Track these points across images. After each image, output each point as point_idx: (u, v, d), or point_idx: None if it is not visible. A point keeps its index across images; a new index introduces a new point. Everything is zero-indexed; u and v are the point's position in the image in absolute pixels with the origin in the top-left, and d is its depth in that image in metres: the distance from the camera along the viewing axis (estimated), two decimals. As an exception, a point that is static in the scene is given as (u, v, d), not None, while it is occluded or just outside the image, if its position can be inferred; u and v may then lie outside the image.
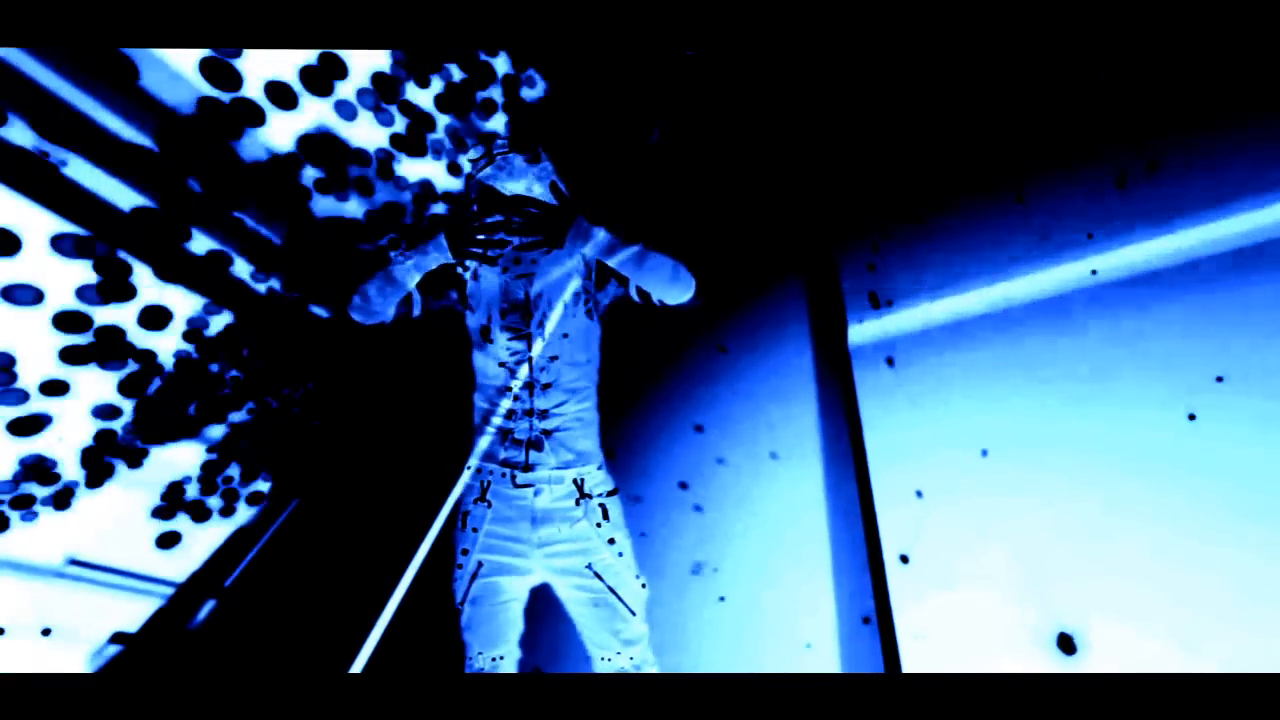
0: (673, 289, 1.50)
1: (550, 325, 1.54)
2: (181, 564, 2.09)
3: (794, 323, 2.35)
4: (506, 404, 1.53)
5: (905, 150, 2.25)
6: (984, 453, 1.83)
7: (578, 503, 1.51)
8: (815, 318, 2.32)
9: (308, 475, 2.34)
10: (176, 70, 1.72)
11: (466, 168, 1.54)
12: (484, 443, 1.56)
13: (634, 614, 1.50)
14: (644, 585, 1.54)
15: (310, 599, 2.26)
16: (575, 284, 1.58)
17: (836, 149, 2.41)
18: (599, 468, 1.57)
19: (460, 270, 1.62)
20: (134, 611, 1.98)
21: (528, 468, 1.50)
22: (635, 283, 1.52)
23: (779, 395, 2.27)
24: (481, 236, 1.42)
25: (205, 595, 2.13)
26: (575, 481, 1.52)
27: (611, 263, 1.47)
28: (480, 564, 1.49)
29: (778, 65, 2.48)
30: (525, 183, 1.49)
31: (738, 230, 2.51)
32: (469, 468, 1.57)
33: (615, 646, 1.49)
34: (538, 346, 1.53)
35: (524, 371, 1.52)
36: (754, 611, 2.08)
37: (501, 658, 1.48)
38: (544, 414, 1.52)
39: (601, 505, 1.53)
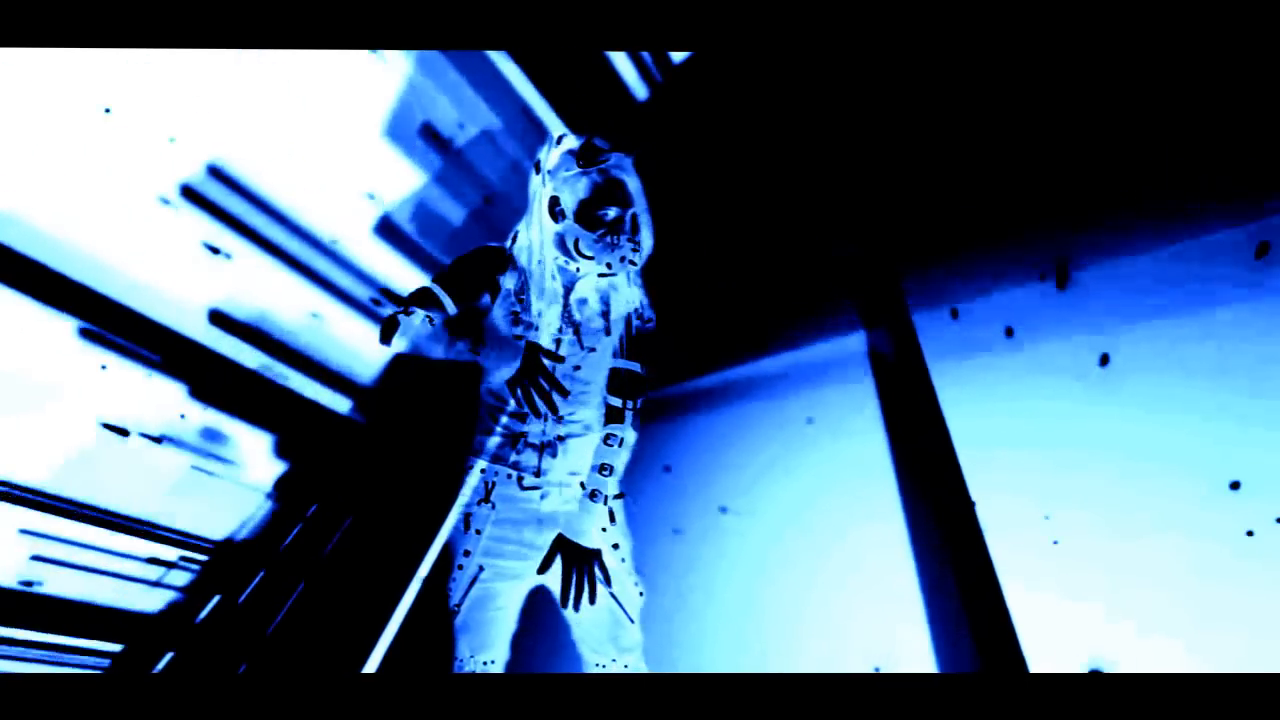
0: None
1: (589, 337, 1.50)
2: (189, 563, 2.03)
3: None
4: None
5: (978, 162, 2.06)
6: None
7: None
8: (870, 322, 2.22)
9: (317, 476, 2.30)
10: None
11: (555, 161, 1.43)
12: (492, 443, 1.52)
13: (632, 621, 1.49)
14: (641, 593, 1.52)
15: (318, 599, 2.21)
16: (622, 305, 1.54)
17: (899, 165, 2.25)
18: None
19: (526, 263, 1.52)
20: (141, 609, 1.92)
21: (538, 473, 1.49)
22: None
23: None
24: (601, 230, 1.40)
25: (214, 593, 2.07)
26: (583, 485, 1.49)
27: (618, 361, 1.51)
28: (481, 568, 1.46)
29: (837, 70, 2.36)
30: (636, 189, 1.44)
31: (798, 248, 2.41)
32: (472, 468, 1.53)
33: (611, 652, 1.48)
34: (568, 352, 1.49)
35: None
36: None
37: (492, 661, 1.47)
38: (560, 419, 1.50)
39: (609, 509, 1.50)
